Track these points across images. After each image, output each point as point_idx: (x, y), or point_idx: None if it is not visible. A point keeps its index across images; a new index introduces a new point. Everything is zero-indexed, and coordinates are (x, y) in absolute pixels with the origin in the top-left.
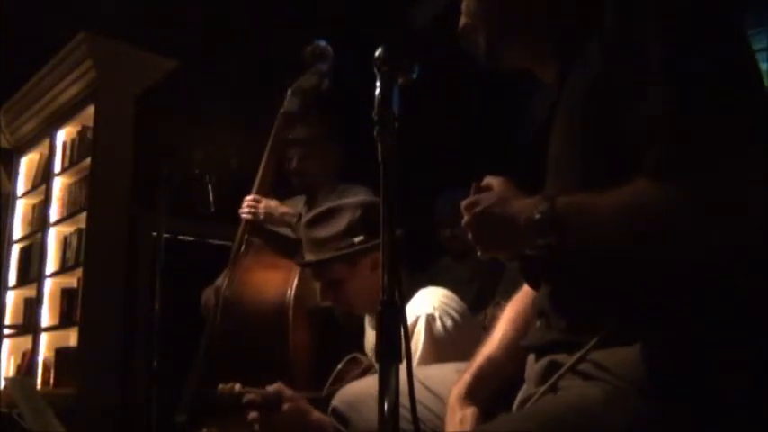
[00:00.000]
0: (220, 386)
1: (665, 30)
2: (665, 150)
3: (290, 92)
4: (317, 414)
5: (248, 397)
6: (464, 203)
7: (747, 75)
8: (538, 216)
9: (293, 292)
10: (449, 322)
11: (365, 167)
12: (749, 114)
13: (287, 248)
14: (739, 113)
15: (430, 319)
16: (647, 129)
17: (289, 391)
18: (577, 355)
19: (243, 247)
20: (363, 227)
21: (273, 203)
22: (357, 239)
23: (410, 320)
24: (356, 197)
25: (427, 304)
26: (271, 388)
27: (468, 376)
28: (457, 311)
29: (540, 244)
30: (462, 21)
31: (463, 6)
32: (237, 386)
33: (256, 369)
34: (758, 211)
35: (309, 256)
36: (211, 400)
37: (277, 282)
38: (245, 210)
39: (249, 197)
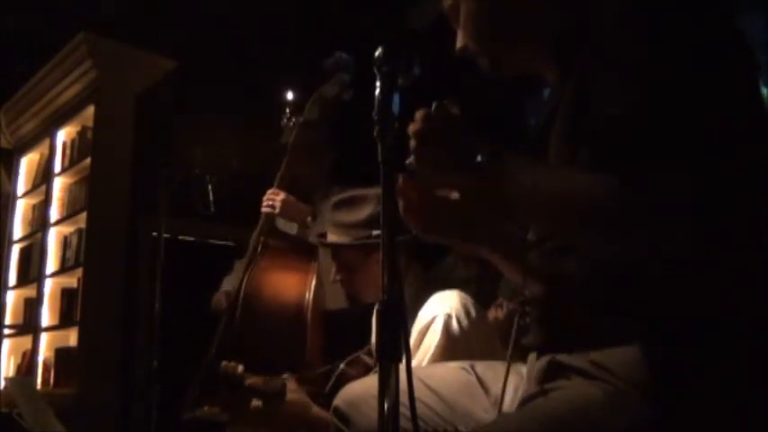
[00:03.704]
0: (224, 363)
1: (651, 32)
2: (613, 144)
3: (310, 100)
4: (316, 409)
5: (250, 381)
6: (417, 129)
7: (728, 87)
8: (481, 158)
9: (312, 294)
10: (465, 322)
11: (360, 169)
12: (715, 124)
13: (301, 251)
14: (702, 123)
15: (447, 319)
16: (608, 124)
17: (293, 384)
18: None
19: (259, 248)
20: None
21: (292, 198)
22: (375, 233)
23: (427, 319)
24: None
25: (445, 305)
26: (278, 380)
27: None
28: (474, 313)
29: (477, 184)
30: (460, 42)
31: (459, 30)
32: (240, 368)
33: (271, 369)
34: (683, 225)
35: (330, 237)
36: (214, 377)
37: (295, 283)
38: (264, 204)
39: (269, 191)
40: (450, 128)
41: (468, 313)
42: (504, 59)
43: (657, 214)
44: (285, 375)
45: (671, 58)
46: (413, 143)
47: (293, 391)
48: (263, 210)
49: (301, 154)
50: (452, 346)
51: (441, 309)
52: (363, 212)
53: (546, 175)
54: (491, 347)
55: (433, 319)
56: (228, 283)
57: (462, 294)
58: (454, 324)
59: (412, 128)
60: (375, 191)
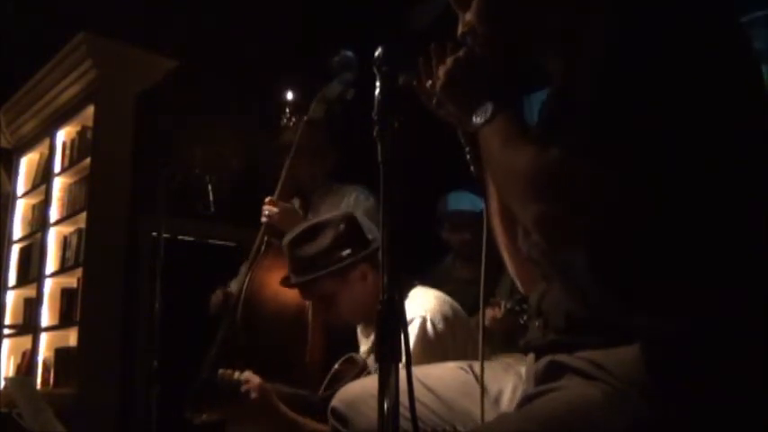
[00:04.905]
0: (221, 371)
1: (623, 23)
2: (551, 120)
3: (315, 99)
4: (283, 407)
5: (246, 387)
6: (461, 55)
7: (714, 86)
8: (485, 106)
9: None
10: (440, 325)
11: (360, 167)
12: (649, 129)
13: None
14: (640, 122)
15: (422, 323)
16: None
17: (256, 381)
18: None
19: (263, 248)
20: (349, 240)
21: (289, 207)
22: (345, 253)
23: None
24: (338, 211)
25: (419, 307)
26: (241, 376)
27: None
28: (450, 314)
29: (469, 120)
30: (466, 26)
31: (467, 14)
32: (237, 374)
33: (273, 368)
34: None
35: (298, 277)
36: (213, 385)
37: None
38: (263, 214)
39: (267, 199)
40: (486, 67)
41: (444, 317)
42: (516, 46)
43: (554, 195)
44: (248, 373)
45: (648, 52)
46: (452, 63)
47: (258, 388)
48: (263, 220)
49: (306, 154)
50: (426, 351)
51: (417, 311)
52: (327, 238)
53: (507, 141)
54: (468, 351)
55: (410, 321)
56: (235, 286)
57: (441, 296)
58: (429, 328)
59: (461, 54)
60: (328, 216)
